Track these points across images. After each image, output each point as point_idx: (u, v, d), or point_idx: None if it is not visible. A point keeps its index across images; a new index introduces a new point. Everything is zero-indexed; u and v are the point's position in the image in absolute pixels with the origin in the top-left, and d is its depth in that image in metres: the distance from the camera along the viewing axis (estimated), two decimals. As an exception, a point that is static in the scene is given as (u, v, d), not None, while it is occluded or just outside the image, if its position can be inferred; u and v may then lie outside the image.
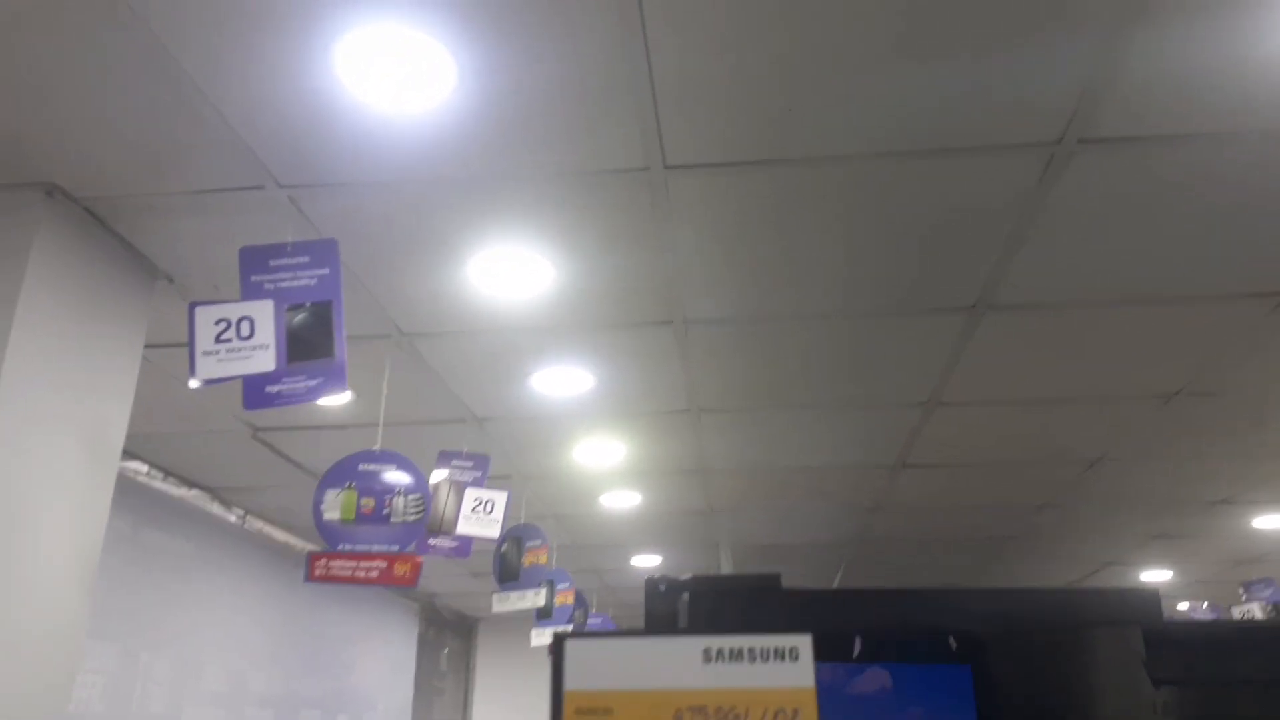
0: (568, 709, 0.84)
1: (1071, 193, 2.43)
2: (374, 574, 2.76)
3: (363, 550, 2.81)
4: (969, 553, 6.30)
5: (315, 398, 2.25)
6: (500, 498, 3.79)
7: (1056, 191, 2.43)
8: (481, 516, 3.77)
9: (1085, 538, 6.09)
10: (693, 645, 0.87)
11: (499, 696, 9.35)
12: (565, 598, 5.23)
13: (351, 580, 2.76)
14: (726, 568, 6.61)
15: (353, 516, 2.87)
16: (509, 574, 4.56)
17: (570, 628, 5.40)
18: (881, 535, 6.03)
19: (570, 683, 0.85)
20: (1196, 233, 2.62)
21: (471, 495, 3.77)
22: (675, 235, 2.64)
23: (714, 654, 0.85)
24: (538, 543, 4.70)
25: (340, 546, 2.83)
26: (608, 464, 4.69)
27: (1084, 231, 2.62)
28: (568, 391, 3.78)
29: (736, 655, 0.85)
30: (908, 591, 1.21)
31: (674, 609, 2.17)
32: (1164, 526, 5.85)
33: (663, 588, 2.22)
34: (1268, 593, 4.25)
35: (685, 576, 2.21)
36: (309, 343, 2.27)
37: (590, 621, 6.50)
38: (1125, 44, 1.94)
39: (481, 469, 3.85)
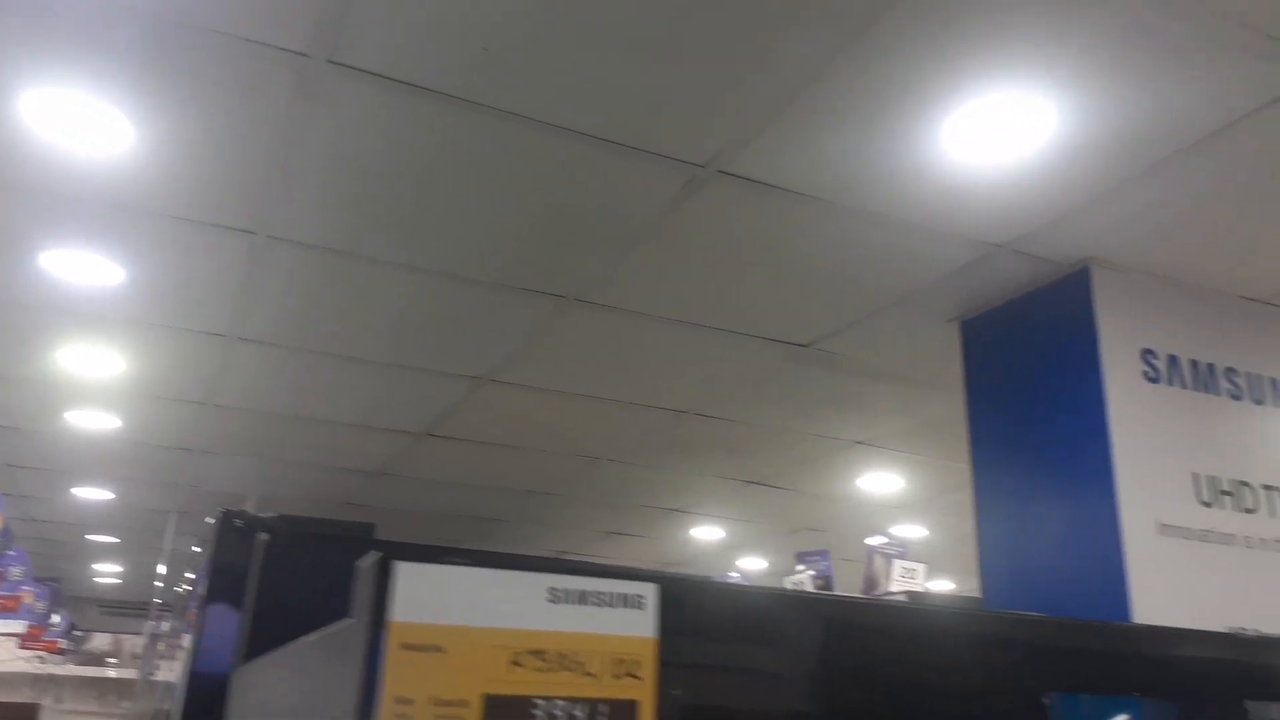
0: (391, 642, 0.70)
1: (696, 216, 2.64)
2: None
3: None
4: (458, 528, 6.46)
5: None
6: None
7: (685, 211, 2.62)
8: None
9: (557, 526, 6.58)
10: (536, 583, 0.77)
11: None
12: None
13: None
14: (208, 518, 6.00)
15: None
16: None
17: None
18: (371, 503, 5.93)
19: (397, 613, 0.71)
20: (764, 280, 3.00)
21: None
22: (303, 138, 2.36)
23: (560, 594, 0.77)
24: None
25: None
26: (93, 374, 4.00)
27: (694, 254, 2.85)
28: (83, 281, 3.16)
29: (581, 597, 0.78)
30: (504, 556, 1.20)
31: (245, 549, 1.92)
32: (623, 525, 6.54)
33: (240, 523, 1.96)
34: (823, 564, 5.00)
35: (269, 515, 1.97)
36: None
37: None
38: (790, 101, 2.16)
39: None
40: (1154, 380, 2.73)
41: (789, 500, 5.68)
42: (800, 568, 5.68)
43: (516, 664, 0.72)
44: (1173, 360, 2.77)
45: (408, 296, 3.18)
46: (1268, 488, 2.75)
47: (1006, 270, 2.89)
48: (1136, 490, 2.57)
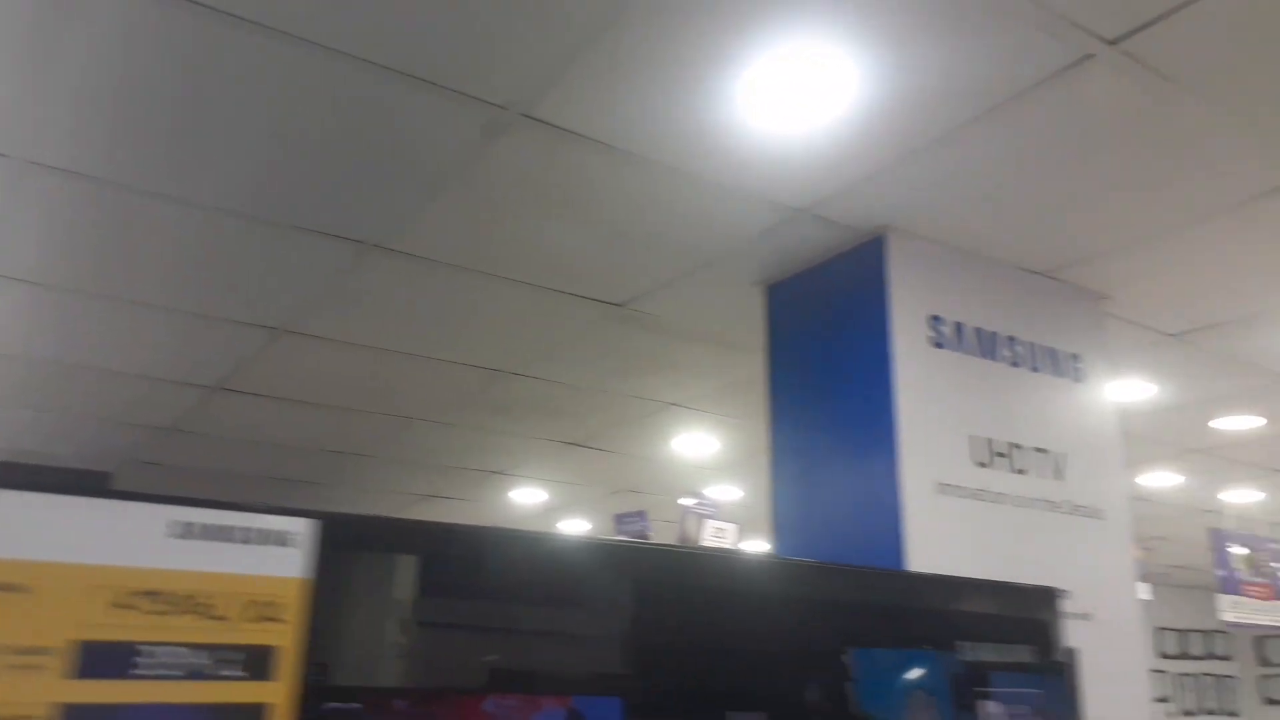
0: (-50, 582, 0.59)
1: (501, 162, 2.54)
2: None
3: None
4: (262, 492, 6.14)
5: None
6: None
7: (489, 155, 2.51)
8: None
9: (370, 490, 6.36)
10: (153, 516, 0.68)
11: None
12: None
13: None
14: None
15: None
16: None
17: None
18: (166, 461, 5.55)
19: (-37, 546, 0.60)
20: (575, 235, 2.93)
21: None
22: (56, 49, 2.11)
23: (184, 529, 0.68)
24: None
25: None
26: None
27: (501, 202, 2.74)
28: None
29: (212, 533, 0.68)
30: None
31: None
32: (440, 488, 6.39)
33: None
34: (640, 525, 4.97)
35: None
36: None
37: None
38: (589, 45, 2.08)
39: None
40: (940, 345, 2.83)
41: (608, 462, 5.67)
42: (618, 528, 5.70)
43: (122, 606, 0.62)
44: (959, 327, 2.88)
45: (187, 235, 2.94)
46: (1039, 450, 2.91)
47: (808, 236, 2.93)
48: (917, 450, 2.66)
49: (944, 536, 2.62)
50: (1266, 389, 4.24)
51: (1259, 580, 5.38)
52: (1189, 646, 10.67)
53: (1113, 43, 2.05)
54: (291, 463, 5.59)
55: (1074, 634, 2.76)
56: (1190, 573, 9.07)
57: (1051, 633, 1.04)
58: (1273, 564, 5.66)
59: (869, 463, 2.71)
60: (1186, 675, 10.55)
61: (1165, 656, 10.39)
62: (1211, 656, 10.87)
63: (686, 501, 5.78)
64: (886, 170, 2.57)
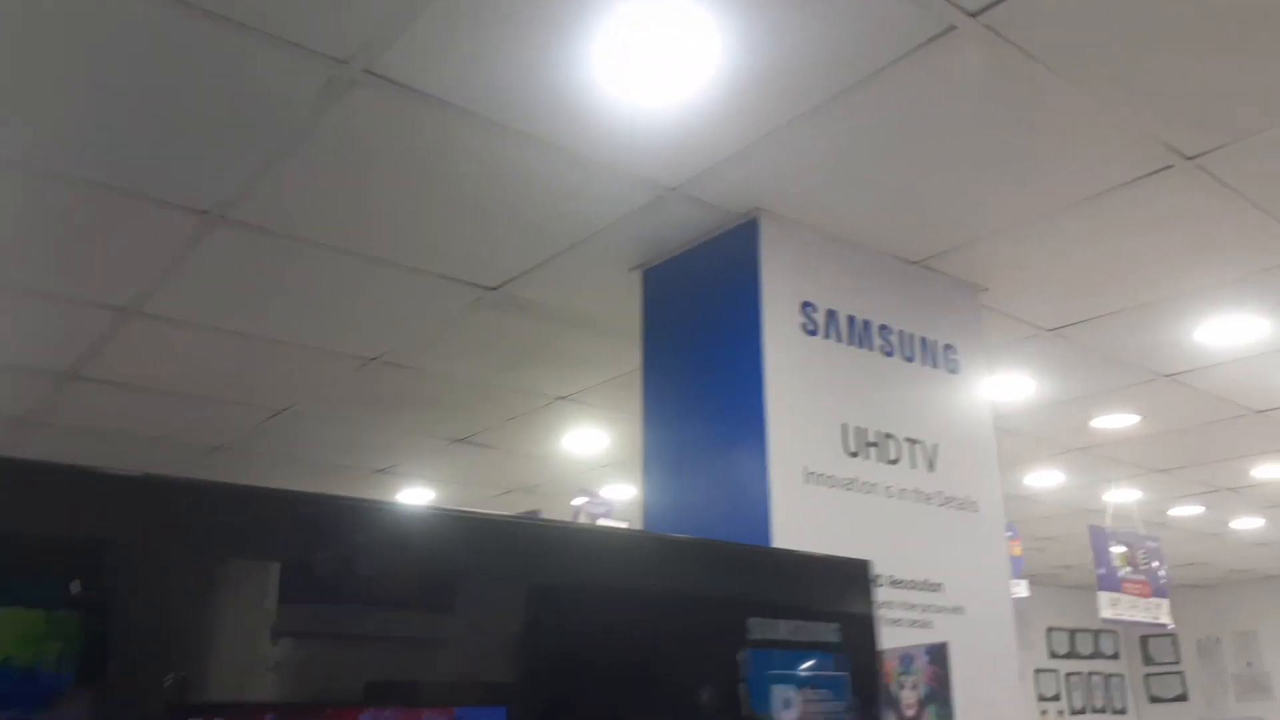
0: None
1: (347, 123, 2.38)
2: None
3: None
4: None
5: None
6: None
7: (333, 116, 2.34)
8: None
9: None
10: None
11: None
12: None
13: None
14: None
15: None
16: None
17: None
18: (12, 455, 5.19)
19: None
20: (437, 208, 2.78)
21: None
22: None
23: None
24: None
25: None
26: None
27: (352, 170, 2.58)
28: None
29: None
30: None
31: None
32: (322, 488, 6.14)
33: None
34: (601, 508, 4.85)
35: None
36: None
37: None
38: (432, -12, 1.95)
39: None
40: (812, 333, 2.76)
41: (497, 460, 5.51)
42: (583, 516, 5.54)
43: None
44: (831, 314, 2.82)
45: (12, 202, 2.71)
46: (911, 440, 2.87)
47: (682, 217, 2.84)
48: (787, 438, 2.59)
49: (812, 526, 2.55)
50: (1142, 387, 4.31)
51: (1138, 577, 5.50)
52: (1078, 646, 10.96)
53: (974, 14, 2.00)
54: (156, 458, 5.28)
55: (946, 628, 2.73)
56: (1079, 573, 9.29)
57: (861, 610, 0.96)
58: (1151, 562, 5.79)
59: (738, 451, 2.62)
60: (1075, 674, 10.83)
61: (1055, 656, 10.65)
62: (1099, 656, 11.18)
63: (578, 501, 5.66)
64: (755, 148, 2.49)
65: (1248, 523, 7.45)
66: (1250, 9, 1.99)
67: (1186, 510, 6.96)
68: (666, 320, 3.05)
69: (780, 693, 0.96)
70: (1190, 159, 2.53)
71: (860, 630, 1.00)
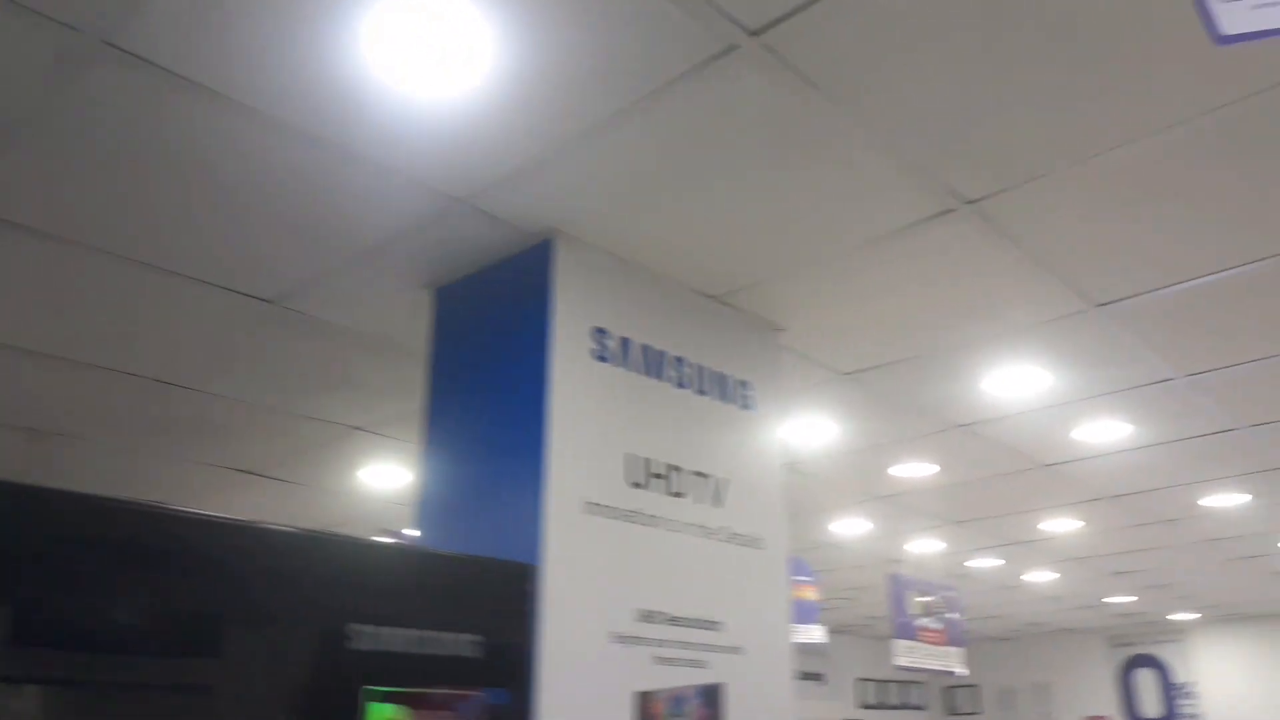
0: None
1: (83, 102, 2.13)
2: None
3: None
4: None
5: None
6: None
7: (69, 92, 2.10)
8: None
9: None
10: None
11: None
12: None
13: None
14: None
15: None
16: None
17: None
18: None
19: None
20: (198, 206, 2.54)
21: None
22: None
23: None
24: None
25: None
26: None
27: (87, 156, 2.32)
28: None
29: None
30: None
31: None
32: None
33: None
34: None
35: None
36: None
37: None
38: (175, -51, 1.77)
39: None
40: (603, 359, 2.67)
41: (288, 494, 5.16)
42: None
43: None
44: (625, 343, 2.74)
45: None
46: (699, 474, 2.80)
47: (474, 233, 2.71)
48: (568, 466, 2.47)
49: (588, 558, 2.43)
50: (938, 436, 4.44)
51: (935, 626, 5.64)
52: (887, 696, 11.24)
53: (755, 34, 1.97)
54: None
55: (723, 667, 2.64)
56: (888, 624, 9.55)
57: (520, 620, 0.85)
58: (949, 611, 5.97)
59: (515, 477, 2.48)
60: (884, 724, 11.09)
61: (865, 706, 10.88)
62: (907, 706, 11.50)
63: (380, 539, 5.35)
64: (544, 163, 2.39)
65: (1040, 576, 7.83)
66: (1034, 52, 2.04)
67: (985, 562, 7.24)
68: (455, 341, 2.89)
69: (382, 712, 0.81)
70: (970, 203, 2.59)
71: (509, 642, 0.87)
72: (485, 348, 2.76)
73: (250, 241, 2.74)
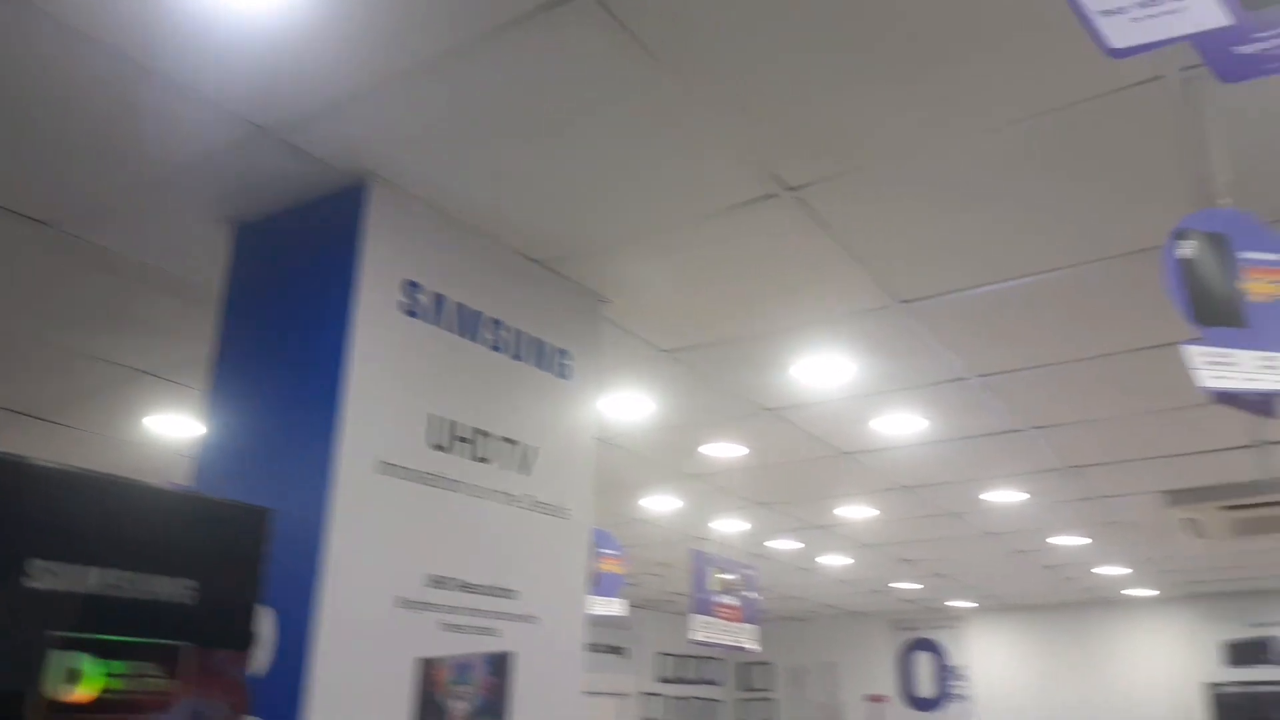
0: None
1: None
2: None
3: None
4: None
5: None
6: None
7: None
8: None
9: None
10: None
11: None
12: None
13: None
14: None
15: None
16: None
17: None
18: None
19: None
20: (-38, 103, 2.26)
21: None
22: None
23: None
24: None
25: None
26: None
27: None
28: None
29: None
30: None
31: None
32: None
33: None
34: None
35: None
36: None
37: None
38: None
39: None
40: (413, 314, 2.55)
41: (66, 439, 4.75)
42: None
43: None
44: (438, 299, 2.63)
45: None
46: (508, 440, 2.73)
47: (281, 168, 2.53)
48: (363, 423, 2.35)
49: (380, 519, 2.32)
50: (749, 419, 4.54)
51: (731, 603, 5.80)
52: (685, 671, 11.55)
53: (590, -12, 1.91)
54: None
55: (515, 636, 2.60)
56: (690, 600, 9.79)
57: (247, 571, 0.78)
58: (746, 591, 6.15)
59: (306, 431, 2.34)
60: (680, 698, 11.39)
61: (663, 680, 11.14)
62: (703, 681, 11.86)
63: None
64: (364, 99, 2.25)
65: (835, 559, 8.21)
66: (868, 48, 2.06)
67: (784, 544, 7.52)
68: (252, 282, 2.71)
69: (64, 660, 0.72)
70: (792, 190, 2.63)
71: (232, 593, 0.79)
72: (285, 291, 2.59)
73: (28, 155, 2.46)
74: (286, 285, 2.60)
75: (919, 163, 2.50)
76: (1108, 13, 1.41)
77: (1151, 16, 1.39)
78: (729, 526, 6.75)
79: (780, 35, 2.04)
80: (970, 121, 2.33)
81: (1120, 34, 1.41)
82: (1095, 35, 1.44)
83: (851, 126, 2.35)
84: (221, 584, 0.77)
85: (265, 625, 2.18)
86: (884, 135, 2.38)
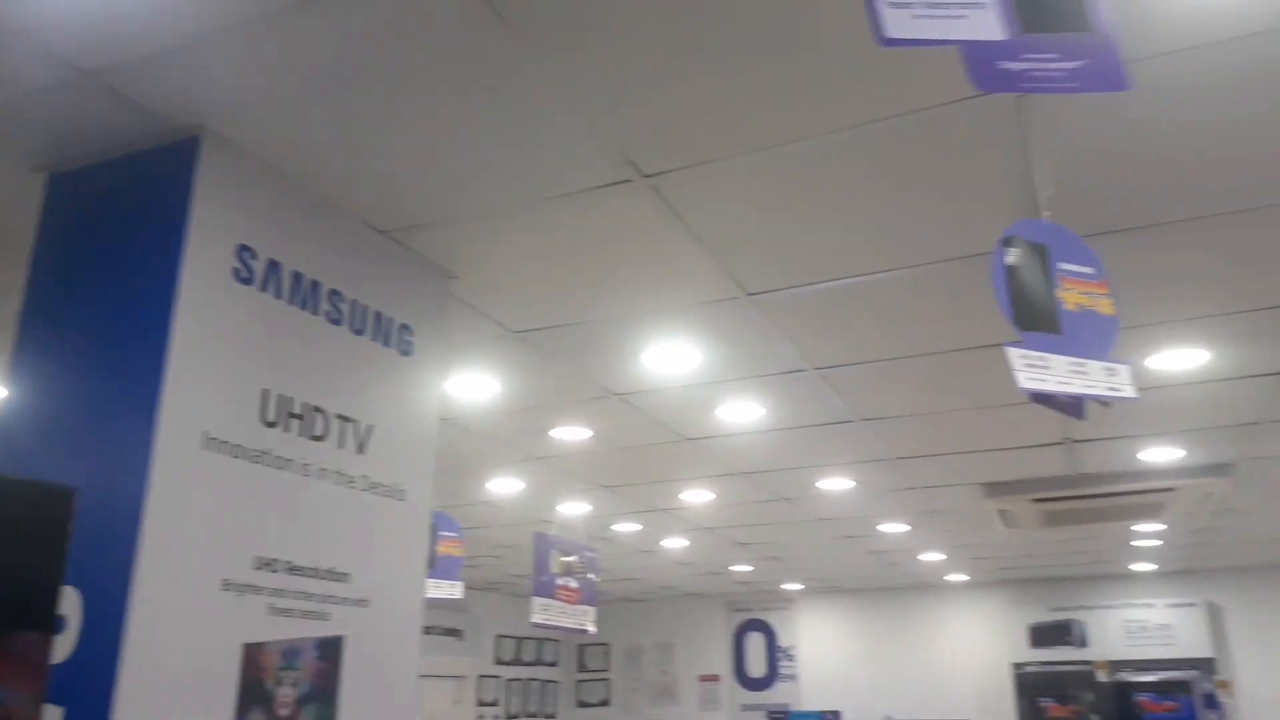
0: None
1: None
2: None
3: None
4: None
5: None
6: None
7: None
8: None
9: None
10: None
11: None
12: None
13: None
14: None
15: None
16: None
17: None
18: None
19: None
20: None
21: None
22: None
23: None
24: None
25: None
26: None
27: None
28: None
29: None
30: None
31: None
32: None
33: None
34: None
35: None
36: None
37: None
38: None
39: None
40: (246, 282, 2.42)
41: None
42: None
43: None
44: (273, 265, 2.51)
45: None
46: (343, 418, 2.64)
47: (103, 116, 2.35)
48: (187, 395, 2.21)
49: (202, 497, 2.20)
50: (596, 402, 4.55)
51: (572, 585, 5.82)
52: (523, 653, 11.54)
53: (448, -46, 1.85)
54: None
55: (347, 619, 2.52)
56: (530, 582, 9.77)
57: (49, 552, 0.73)
58: (588, 572, 6.18)
59: (124, 403, 2.19)
60: (517, 680, 11.37)
61: (501, 662, 11.09)
62: (541, 663, 11.88)
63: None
64: (200, 46, 2.11)
65: (675, 542, 8.36)
66: (723, 38, 2.08)
67: (627, 527, 7.60)
68: (67, 238, 2.50)
69: None
70: (646, 176, 2.64)
71: (33, 576, 0.73)
72: (103, 249, 2.41)
73: None
74: (106, 241, 2.42)
75: (768, 158, 2.55)
76: (896, 5, 1.45)
77: (934, 17, 1.44)
78: (573, 509, 6.77)
79: (638, 23, 2.04)
80: (814, 122, 2.39)
81: (899, 26, 1.45)
82: (875, 20, 1.46)
83: (706, 118, 2.38)
84: (19, 564, 0.71)
85: (70, 607, 2.03)
86: (737, 128, 2.42)
